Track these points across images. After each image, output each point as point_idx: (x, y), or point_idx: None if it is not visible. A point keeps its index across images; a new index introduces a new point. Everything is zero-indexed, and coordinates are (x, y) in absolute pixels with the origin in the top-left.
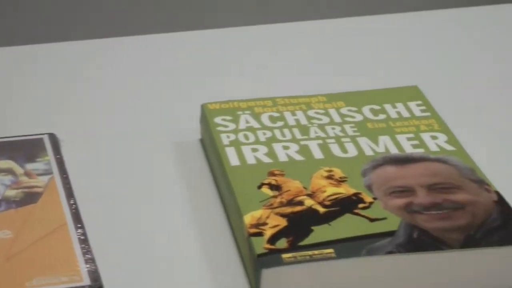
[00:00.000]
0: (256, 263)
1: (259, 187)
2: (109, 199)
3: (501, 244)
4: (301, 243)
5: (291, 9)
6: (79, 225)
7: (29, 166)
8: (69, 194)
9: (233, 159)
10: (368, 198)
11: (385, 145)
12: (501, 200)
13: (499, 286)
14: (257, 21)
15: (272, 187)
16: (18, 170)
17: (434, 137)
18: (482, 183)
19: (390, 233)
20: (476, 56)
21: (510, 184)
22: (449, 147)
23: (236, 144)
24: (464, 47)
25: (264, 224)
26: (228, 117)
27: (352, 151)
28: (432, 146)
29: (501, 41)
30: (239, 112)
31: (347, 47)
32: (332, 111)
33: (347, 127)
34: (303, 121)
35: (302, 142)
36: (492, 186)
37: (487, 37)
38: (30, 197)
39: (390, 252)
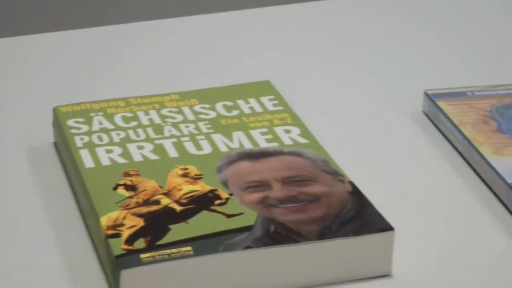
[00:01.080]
0: (115, 265)
1: (115, 188)
2: None
3: (356, 233)
4: (159, 242)
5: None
6: None
7: None
8: None
9: (87, 161)
10: (224, 194)
11: (239, 140)
12: (355, 191)
13: (356, 275)
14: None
15: (128, 187)
16: None
17: (287, 131)
18: (336, 174)
19: (247, 228)
20: (323, 50)
21: (364, 174)
22: (303, 140)
23: (90, 146)
24: (310, 41)
25: (121, 225)
26: (81, 119)
27: (206, 148)
28: (286, 139)
29: (339, 33)
30: (92, 114)
31: (192, 45)
32: (186, 109)
33: (201, 124)
34: (157, 120)
35: (157, 141)
36: (346, 176)
37: (328, 31)
38: None
39: (248, 247)
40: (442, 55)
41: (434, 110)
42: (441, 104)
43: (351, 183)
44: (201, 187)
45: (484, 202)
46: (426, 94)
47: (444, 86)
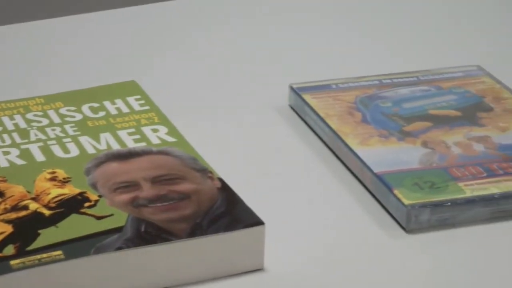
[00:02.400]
0: None
1: None
2: None
3: (227, 229)
4: (29, 248)
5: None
6: None
7: None
8: None
9: None
10: (93, 197)
11: (107, 142)
12: (224, 187)
13: (230, 271)
14: None
15: None
16: None
17: (155, 130)
18: (205, 171)
19: (118, 229)
20: (184, 47)
21: (233, 170)
22: (170, 139)
23: None
24: (170, 39)
25: None
26: None
27: (74, 151)
28: (154, 139)
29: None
30: None
31: (55, 47)
32: (51, 112)
33: (67, 127)
34: (22, 124)
35: (23, 146)
36: (215, 173)
37: (189, 28)
38: None
39: (119, 248)
40: (306, 49)
41: (300, 104)
42: (306, 97)
43: (221, 180)
44: (69, 190)
45: (352, 192)
46: (291, 87)
47: (309, 79)
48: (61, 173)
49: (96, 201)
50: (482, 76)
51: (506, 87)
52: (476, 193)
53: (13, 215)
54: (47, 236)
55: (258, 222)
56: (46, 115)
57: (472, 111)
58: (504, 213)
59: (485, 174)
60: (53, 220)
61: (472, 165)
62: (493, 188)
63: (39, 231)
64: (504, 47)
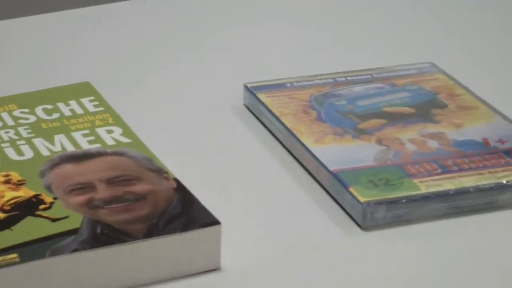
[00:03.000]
0: None
1: None
2: None
3: (183, 230)
4: None
5: None
6: None
7: None
8: None
9: None
10: (48, 199)
11: (61, 143)
12: (180, 187)
13: (187, 271)
14: None
15: None
16: None
17: (109, 131)
18: (160, 171)
19: (74, 231)
20: (139, 49)
21: (189, 170)
22: (125, 140)
23: None
24: (126, 42)
25: None
26: None
27: (28, 153)
28: (108, 140)
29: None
30: None
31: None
32: (4, 115)
33: (21, 129)
34: None
35: None
36: (170, 173)
37: (146, 30)
38: None
39: (75, 250)
40: (261, 48)
41: (255, 103)
42: (261, 96)
43: (176, 180)
44: (24, 193)
45: (308, 190)
46: (246, 87)
47: (264, 78)
48: (15, 176)
49: (51, 203)
50: (436, 73)
51: (459, 83)
52: (431, 190)
53: None
54: (2, 239)
55: (214, 222)
56: None
57: (426, 108)
58: (458, 209)
59: (439, 171)
60: (8, 223)
61: (426, 162)
62: (448, 184)
63: None
64: (457, 44)
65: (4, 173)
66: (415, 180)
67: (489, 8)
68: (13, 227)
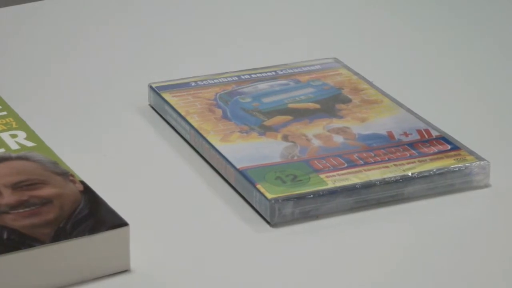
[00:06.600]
0: None
1: None
2: None
3: (91, 232)
4: None
5: None
6: None
7: None
8: None
9: None
10: None
11: None
12: (87, 190)
13: (96, 274)
14: None
15: None
16: None
17: (13, 136)
18: (66, 174)
19: None
20: (43, 50)
21: (95, 172)
22: (30, 143)
23: None
24: (27, 44)
25: None
26: None
27: None
28: (12, 144)
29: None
30: None
31: None
32: None
33: None
34: None
35: None
36: (77, 176)
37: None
38: None
39: None
40: (165, 48)
41: (160, 103)
42: (166, 96)
43: (83, 183)
44: None
45: (216, 189)
46: (150, 87)
47: (168, 78)
48: None
49: None
50: (339, 68)
51: (363, 78)
52: (338, 184)
53: None
54: None
55: (122, 223)
56: None
57: (331, 103)
58: (366, 202)
59: (345, 165)
60: None
61: (332, 157)
62: (354, 178)
63: None
64: (360, 39)
65: None
66: (322, 175)
67: (392, 3)
68: None
